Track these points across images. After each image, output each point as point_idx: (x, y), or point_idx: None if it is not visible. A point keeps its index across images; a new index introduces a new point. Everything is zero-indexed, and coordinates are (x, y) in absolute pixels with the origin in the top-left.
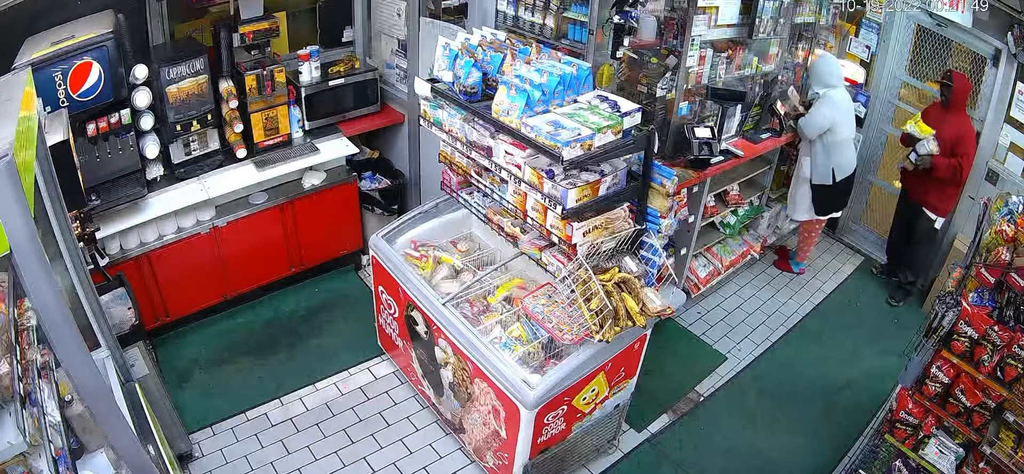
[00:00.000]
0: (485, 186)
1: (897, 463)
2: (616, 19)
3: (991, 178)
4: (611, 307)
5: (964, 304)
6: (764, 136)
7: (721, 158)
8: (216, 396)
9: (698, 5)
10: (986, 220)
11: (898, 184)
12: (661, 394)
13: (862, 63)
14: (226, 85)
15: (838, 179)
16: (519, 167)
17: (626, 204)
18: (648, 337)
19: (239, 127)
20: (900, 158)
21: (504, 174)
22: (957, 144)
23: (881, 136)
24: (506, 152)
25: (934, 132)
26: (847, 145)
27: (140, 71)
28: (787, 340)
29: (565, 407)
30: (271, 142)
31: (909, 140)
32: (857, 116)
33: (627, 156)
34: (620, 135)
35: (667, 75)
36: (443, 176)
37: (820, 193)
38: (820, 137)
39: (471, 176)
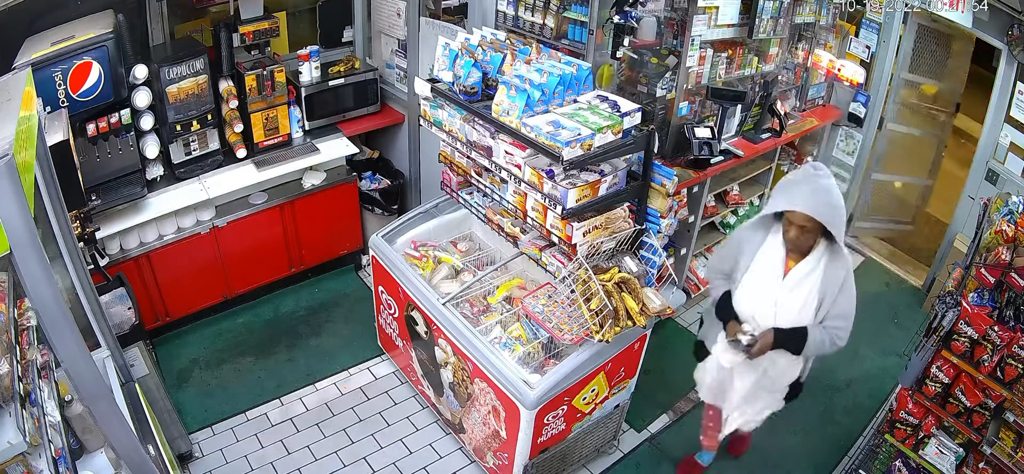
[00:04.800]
0: (485, 186)
1: (897, 463)
2: (616, 19)
3: (991, 178)
4: (611, 307)
5: (964, 304)
6: (764, 136)
7: (721, 158)
8: (216, 396)
9: (698, 5)
10: (986, 220)
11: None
12: (661, 394)
13: (862, 63)
14: (226, 85)
15: None
16: (519, 167)
17: (626, 204)
18: (648, 337)
19: (239, 127)
20: None
21: (504, 174)
22: None
23: (884, 133)
24: (506, 152)
25: None
26: None
27: (140, 71)
28: None
29: (565, 407)
30: (271, 142)
31: None
32: (857, 116)
33: (627, 156)
34: (620, 135)
35: (667, 75)
36: (443, 176)
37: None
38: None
39: (471, 176)
